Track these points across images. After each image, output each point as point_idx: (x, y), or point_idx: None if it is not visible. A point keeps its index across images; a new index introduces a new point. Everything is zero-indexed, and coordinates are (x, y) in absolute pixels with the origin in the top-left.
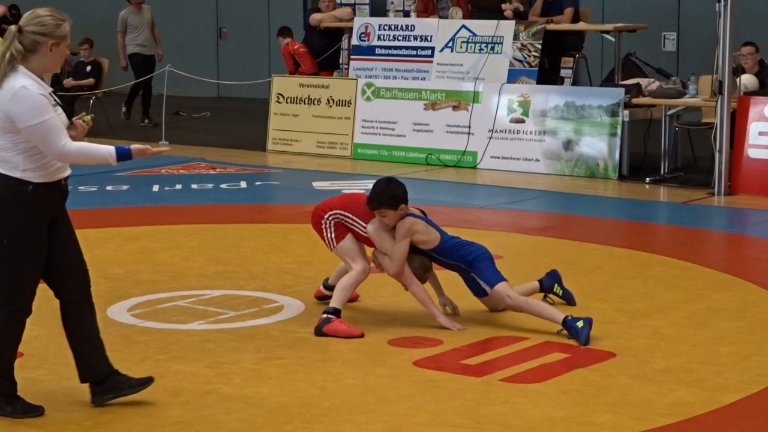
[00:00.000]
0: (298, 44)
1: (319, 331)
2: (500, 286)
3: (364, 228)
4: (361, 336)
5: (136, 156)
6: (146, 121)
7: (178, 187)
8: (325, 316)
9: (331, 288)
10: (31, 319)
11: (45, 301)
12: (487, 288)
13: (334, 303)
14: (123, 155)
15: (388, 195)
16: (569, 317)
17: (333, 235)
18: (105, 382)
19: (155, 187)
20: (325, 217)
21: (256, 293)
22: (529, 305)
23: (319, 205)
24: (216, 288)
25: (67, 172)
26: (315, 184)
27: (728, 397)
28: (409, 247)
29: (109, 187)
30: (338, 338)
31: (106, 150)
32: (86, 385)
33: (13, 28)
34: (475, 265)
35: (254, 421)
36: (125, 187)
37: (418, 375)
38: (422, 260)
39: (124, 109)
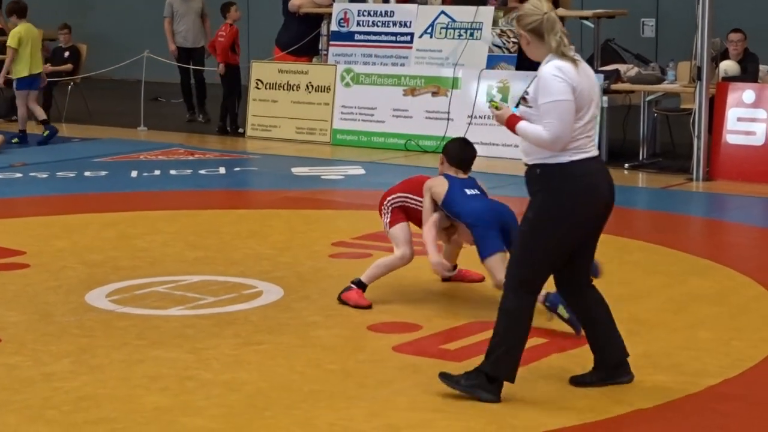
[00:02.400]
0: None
1: (339, 297)
2: (490, 261)
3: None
4: (369, 307)
5: None
6: (201, 117)
7: (157, 173)
8: (349, 284)
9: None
10: (8, 305)
11: (22, 288)
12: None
13: (363, 276)
14: None
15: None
16: (551, 293)
17: (388, 220)
18: (621, 367)
19: (134, 173)
20: (386, 202)
21: (235, 279)
22: None
23: (384, 192)
24: (195, 273)
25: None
26: (294, 170)
27: (706, 382)
28: (430, 203)
29: (87, 173)
30: (320, 323)
31: None
32: (68, 370)
33: None
34: (472, 229)
35: (233, 406)
36: (103, 173)
37: (398, 360)
38: None
39: (187, 115)
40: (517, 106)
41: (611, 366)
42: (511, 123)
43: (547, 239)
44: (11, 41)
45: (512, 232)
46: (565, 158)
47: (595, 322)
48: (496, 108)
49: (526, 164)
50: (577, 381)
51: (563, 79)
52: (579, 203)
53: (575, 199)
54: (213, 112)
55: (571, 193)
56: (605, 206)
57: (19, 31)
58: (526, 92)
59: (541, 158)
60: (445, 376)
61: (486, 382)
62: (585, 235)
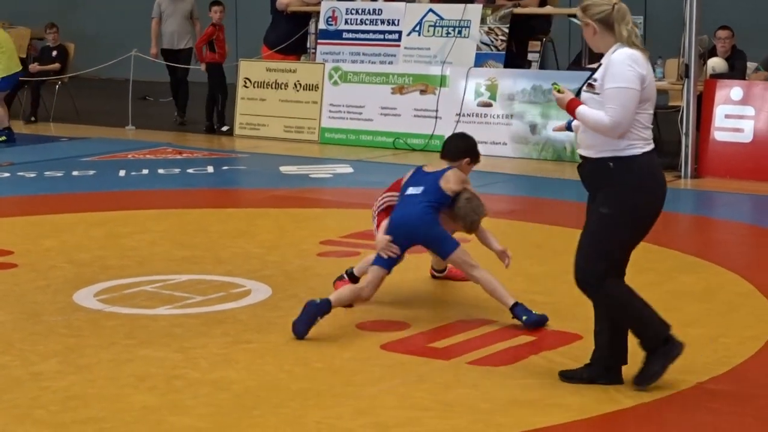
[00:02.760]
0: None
1: (333, 283)
2: (454, 255)
3: None
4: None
5: None
6: (178, 117)
7: (145, 172)
8: (342, 274)
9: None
10: None
11: (9, 287)
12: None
13: (356, 268)
14: None
15: None
16: (520, 305)
17: (375, 224)
18: (614, 371)
19: (122, 172)
20: (374, 208)
21: (224, 278)
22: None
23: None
24: (183, 273)
25: None
26: (282, 168)
27: (695, 378)
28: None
29: (75, 173)
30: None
31: None
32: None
33: None
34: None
35: (222, 405)
36: (92, 172)
37: (386, 358)
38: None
39: (176, 116)
40: (578, 93)
41: (606, 367)
42: (572, 106)
43: (625, 231)
44: None
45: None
46: (637, 150)
47: (614, 318)
48: (558, 91)
49: (588, 158)
50: (567, 376)
51: (634, 69)
52: (654, 195)
53: (651, 190)
54: (199, 113)
55: (647, 185)
56: (665, 196)
57: None
58: (593, 78)
59: (612, 151)
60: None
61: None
62: (652, 225)
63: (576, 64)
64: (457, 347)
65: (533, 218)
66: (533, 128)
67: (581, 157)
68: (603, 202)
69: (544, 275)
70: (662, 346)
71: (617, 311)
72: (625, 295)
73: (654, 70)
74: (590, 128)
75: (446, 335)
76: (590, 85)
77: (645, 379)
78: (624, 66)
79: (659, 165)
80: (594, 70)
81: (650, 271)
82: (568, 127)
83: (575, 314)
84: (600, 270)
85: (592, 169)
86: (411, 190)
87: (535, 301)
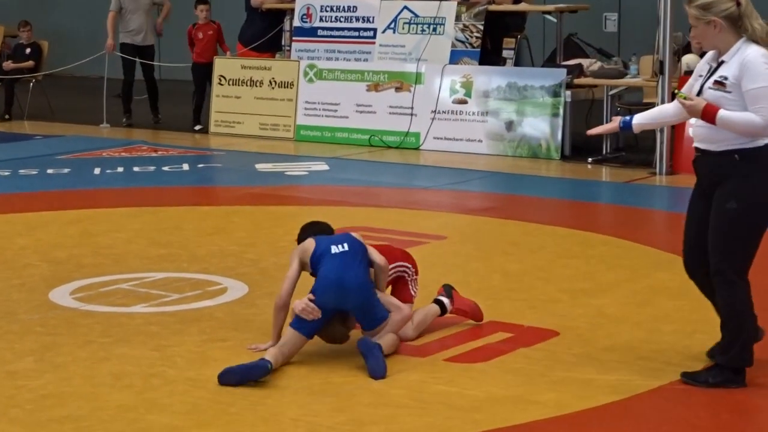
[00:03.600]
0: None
1: None
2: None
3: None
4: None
5: None
6: (153, 117)
7: (120, 170)
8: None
9: None
10: None
11: None
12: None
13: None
14: None
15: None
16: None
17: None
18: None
19: (97, 170)
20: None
21: (200, 275)
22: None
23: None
24: (159, 271)
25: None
26: (258, 166)
27: (671, 375)
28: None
29: (49, 171)
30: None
31: None
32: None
33: None
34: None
35: (198, 403)
36: (66, 170)
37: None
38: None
39: (124, 119)
40: (698, 93)
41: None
42: (710, 112)
43: (756, 222)
44: None
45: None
46: (761, 142)
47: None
48: (685, 99)
49: (711, 151)
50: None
51: None
52: None
53: None
54: (170, 111)
55: None
56: None
57: None
58: (723, 77)
59: (737, 144)
60: (688, 376)
61: (733, 376)
62: None
63: (551, 61)
64: (433, 344)
65: (509, 215)
66: (509, 125)
67: (699, 151)
68: (727, 197)
69: (521, 272)
70: (735, 374)
71: (731, 312)
72: (748, 305)
73: (628, 67)
74: (738, 131)
75: (423, 333)
76: (719, 83)
77: (693, 379)
78: (764, 65)
79: None
80: (713, 68)
81: (625, 268)
82: (625, 127)
83: (552, 311)
84: (737, 266)
85: (715, 163)
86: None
87: (511, 298)
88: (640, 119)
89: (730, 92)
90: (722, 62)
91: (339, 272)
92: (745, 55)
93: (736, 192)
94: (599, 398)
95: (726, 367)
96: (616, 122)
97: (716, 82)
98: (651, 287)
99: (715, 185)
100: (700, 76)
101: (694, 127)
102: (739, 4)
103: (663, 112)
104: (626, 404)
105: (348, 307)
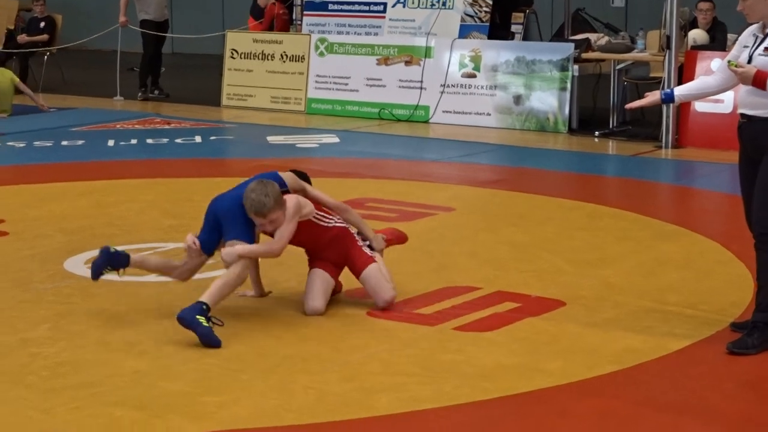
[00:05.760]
0: (283, 9)
1: None
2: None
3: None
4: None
5: None
6: (156, 92)
7: (134, 141)
8: None
9: None
10: None
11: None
12: None
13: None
14: None
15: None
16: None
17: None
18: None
19: (110, 142)
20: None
21: None
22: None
23: None
24: (171, 241)
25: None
26: (269, 138)
27: (675, 344)
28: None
29: (64, 142)
30: (296, 288)
31: None
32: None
33: None
34: None
35: (210, 370)
36: (80, 142)
37: (372, 324)
38: None
39: (140, 94)
40: (749, 62)
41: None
42: (761, 77)
43: None
44: None
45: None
46: None
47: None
48: (736, 67)
49: (759, 117)
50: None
51: None
52: None
53: None
54: (184, 84)
55: None
56: None
57: None
58: None
59: None
60: (737, 346)
61: None
62: None
63: (559, 36)
64: (442, 313)
65: (517, 188)
66: (517, 99)
67: (745, 116)
68: None
69: (528, 244)
70: None
71: None
72: None
73: (635, 42)
74: None
75: (432, 302)
76: None
77: (739, 346)
78: None
79: None
80: (760, 38)
81: (631, 240)
82: (667, 99)
83: (558, 281)
84: None
85: (761, 130)
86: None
87: (518, 269)
88: (682, 90)
89: None
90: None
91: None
92: None
93: None
94: (604, 367)
95: (764, 325)
96: (657, 95)
97: (766, 48)
98: (656, 259)
99: (761, 150)
100: (745, 47)
101: (742, 94)
102: None
103: (705, 83)
104: (631, 373)
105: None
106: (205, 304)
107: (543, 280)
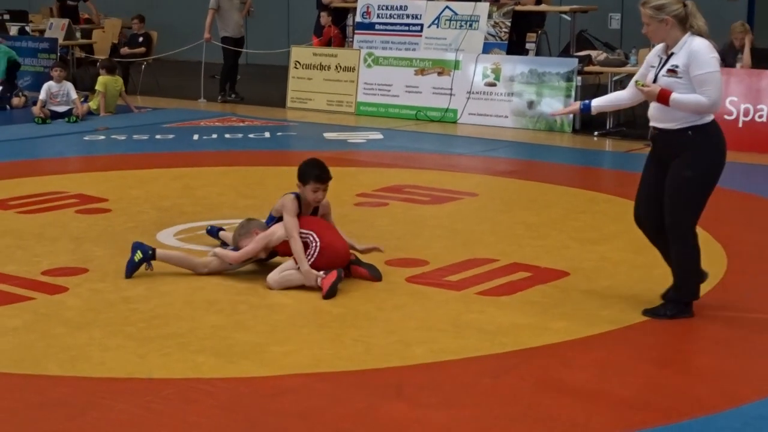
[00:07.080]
0: (336, 30)
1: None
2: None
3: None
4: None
5: None
6: (233, 95)
7: (214, 136)
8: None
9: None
10: (94, 242)
11: (105, 228)
12: None
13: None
14: None
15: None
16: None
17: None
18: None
19: (195, 136)
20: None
21: None
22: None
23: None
24: (245, 217)
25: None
26: (326, 134)
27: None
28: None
29: (158, 136)
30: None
31: None
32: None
33: None
34: None
35: (276, 324)
36: (171, 136)
37: (410, 288)
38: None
39: (219, 97)
40: (654, 81)
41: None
42: (664, 95)
43: (708, 187)
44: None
45: None
46: (708, 119)
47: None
48: (642, 86)
49: (668, 129)
50: (651, 312)
51: (714, 55)
52: (724, 152)
53: (723, 150)
54: (251, 90)
55: (720, 147)
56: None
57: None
58: (675, 65)
59: (690, 122)
60: (650, 312)
61: (684, 307)
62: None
63: (565, 52)
64: (467, 281)
65: (529, 177)
66: (530, 104)
67: (656, 129)
68: (684, 166)
69: (539, 224)
70: (683, 304)
71: (686, 257)
72: (697, 249)
73: (628, 58)
74: (688, 110)
75: (459, 271)
76: (672, 71)
77: (653, 314)
78: (708, 55)
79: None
80: (663, 60)
81: (625, 222)
82: (584, 110)
83: (563, 255)
84: (691, 221)
85: (671, 139)
86: None
87: (531, 244)
88: (597, 102)
89: (680, 78)
90: (672, 54)
91: None
92: (692, 46)
93: (691, 161)
94: (602, 326)
95: (679, 301)
96: (576, 105)
97: (669, 70)
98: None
99: (672, 156)
100: (652, 66)
101: (651, 109)
102: (685, 6)
103: (618, 97)
104: (623, 332)
105: None
106: (153, 250)
107: (551, 253)
